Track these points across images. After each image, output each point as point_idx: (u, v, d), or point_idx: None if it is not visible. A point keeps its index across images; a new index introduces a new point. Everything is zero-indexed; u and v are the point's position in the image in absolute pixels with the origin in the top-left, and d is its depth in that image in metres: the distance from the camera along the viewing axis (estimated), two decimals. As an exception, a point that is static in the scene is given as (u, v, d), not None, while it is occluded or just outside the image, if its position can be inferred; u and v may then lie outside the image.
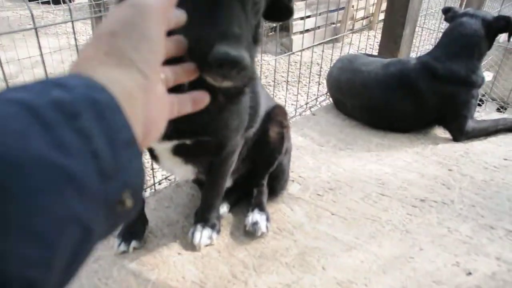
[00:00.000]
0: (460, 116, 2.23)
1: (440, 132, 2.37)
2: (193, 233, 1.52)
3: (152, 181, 1.98)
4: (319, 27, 5.76)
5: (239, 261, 1.47)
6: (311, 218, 1.71)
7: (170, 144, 1.22)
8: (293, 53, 5.28)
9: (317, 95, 2.75)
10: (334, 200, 1.83)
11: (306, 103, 2.69)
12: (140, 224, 1.54)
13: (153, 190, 1.94)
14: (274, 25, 5.69)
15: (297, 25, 5.62)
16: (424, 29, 4.07)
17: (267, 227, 1.60)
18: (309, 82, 3.25)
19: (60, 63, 3.97)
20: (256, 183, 1.72)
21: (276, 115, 1.65)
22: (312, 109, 2.71)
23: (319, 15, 5.70)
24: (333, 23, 6.10)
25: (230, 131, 1.27)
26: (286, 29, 5.68)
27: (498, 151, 2.18)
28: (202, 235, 1.52)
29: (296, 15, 5.58)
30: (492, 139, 2.30)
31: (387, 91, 2.28)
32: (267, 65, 5.08)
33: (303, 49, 5.23)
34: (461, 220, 1.70)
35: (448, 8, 2.35)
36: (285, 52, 5.40)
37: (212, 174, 1.45)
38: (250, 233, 1.59)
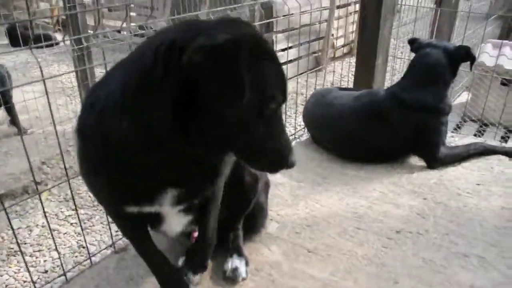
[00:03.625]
0: (432, 143, 2.29)
1: (416, 160, 2.42)
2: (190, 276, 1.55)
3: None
4: (301, 57, 5.89)
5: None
6: (288, 257, 1.74)
7: (178, 208, 1.29)
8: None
9: (295, 129, 2.80)
10: (312, 237, 1.85)
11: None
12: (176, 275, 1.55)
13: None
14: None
15: (279, 56, 5.75)
16: (397, 58, 4.19)
17: (246, 272, 1.63)
18: (296, 113, 3.31)
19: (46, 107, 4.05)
20: (232, 227, 1.75)
21: None
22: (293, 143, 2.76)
23: (300, 45, 5.85)
24: (315, 53, 6.24)
25: (219, 188, 1.40)
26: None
27: (471, 177, 2.23)
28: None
29: (278, 46, 5.72)
30: (466, 164, 2.35)
31: (359, 123, 2.34)
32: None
33: (288, 79, 5.36)
34: (435, 249, 1.73)
35: (413, 39, 2.44)
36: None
37: (209, 214, 1.47)
38: (230, 278, 1.61)
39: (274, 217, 2.00)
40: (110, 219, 2.00)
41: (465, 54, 2.24)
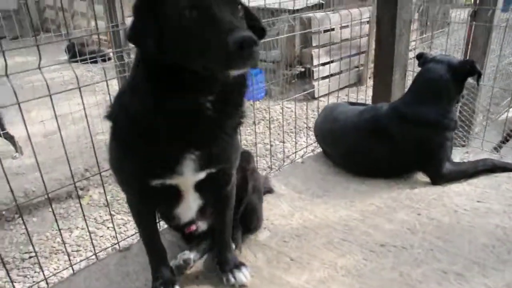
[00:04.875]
0: (436, 159, 2.26)
1: (421, 176, 2.40)
2: (234, 277, 1.69)
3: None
4: (341, 72, 5.92)
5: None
6: (271, 263, 1.83)
7: (197, 177, 1.46)
8: (316, 98, 5.47)
9: (307, 143, 2.88)
10: (298, 246, 1.93)
11: (295, 152, 2.83)
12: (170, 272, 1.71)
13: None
14: (297, 72, 5.96)
15: (318, 71, 5.82)
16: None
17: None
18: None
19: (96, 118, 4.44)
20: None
21: (240, 160, 1.82)
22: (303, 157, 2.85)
23: (341, 59, 5.88)
24: (357, 67, 6.24)
25: (234, 161, 1.55)
26: (308, 76, 5.89)
27: (473, 193, 2.18)
28: (244, 274, 1.70)
29: (317, 61, 5.80)
30: (473, 181, 2.29)
31: (362, 138, 2.38)
32: (290, 112, 5.28)
33: (329, 93, 5.41)
34: (415, 264, 1.74)
35: (420, 54, 2.44)
36: (308, 99, 5.60)
37: (223, 208, 1.67)
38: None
39: (268, 226, 2.09)
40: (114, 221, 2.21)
41: (470, 69, 2.21)
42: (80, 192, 4.01)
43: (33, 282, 3.05)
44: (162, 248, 1.70)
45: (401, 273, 1.70)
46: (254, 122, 5.02)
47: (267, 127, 5.13)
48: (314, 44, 5.80)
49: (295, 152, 2.91)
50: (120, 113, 1.37)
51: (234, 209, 1.83)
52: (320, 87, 5.65)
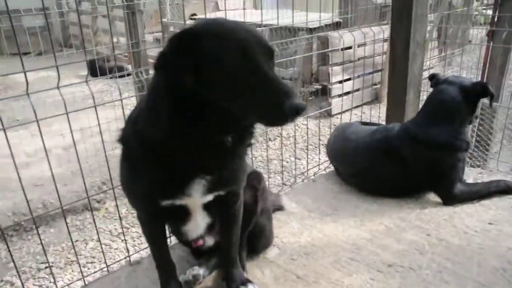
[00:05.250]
0: (447, 180, 2.25)
1: (433, 196, 2.39)
2: None
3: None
4: (358, 89, 5.93)
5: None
6: (277, 281, 1.84)
7: (206, 199, 1.50)
8: (333, 115, 5.48)
9: (319, 161, 2.89)
10: (305, 264, 1.94)
11: (307, 170, 2.84)
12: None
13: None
14: (313, 89, 6.00)
15: (336, 88, 5.85)
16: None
17: None
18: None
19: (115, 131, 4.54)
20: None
21: (251, 180, 1.86)
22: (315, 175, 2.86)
23: (358, 77, 5.90)
24: (374, 84, 6.24)
25: (242, 182, 1.59)
26: (325, 93, 5.91)
27: (485, 215, 2.15)
28: None
29: (335, 78, 5.83)
30: (485, 202, 2.27)
31: (373, 158, 2.39)
32: (306, 129, 5.30)
33: (343, 111, 5.42)
34: (423, 286, 1.73)
35: (432, 75, 2.45)
36: (325, 116, 5.62)
37: (230, 225, 1.70)
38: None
39: (277, 244, 2.11)
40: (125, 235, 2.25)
41: (483, 90, 2.21)
42: (96, 205, 4.09)
43: (47, 292, 3.11)
44: (171, 263, 1.73)
45: (408, 294, 1.69)
46: (269, 139, 5.06)
47: (283, 143, 5.16)
48: (331, 62, 5.84)
49: (307, 170, 2.92)
50: (133, 136, 1.40)
51: (242, 228, 1.84)
52: (336, 104, 5.67)
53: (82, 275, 2.13)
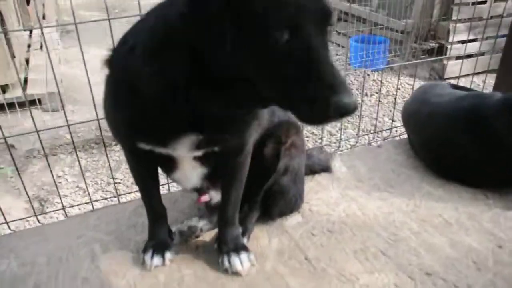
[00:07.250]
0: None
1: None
2: (229, 261, 1.45)
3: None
4: (483, 54, 4.89)
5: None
6: (280, 256, 1.53)
7: (193, 154, 1.26)
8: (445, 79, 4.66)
9: (391, 126, 2.38)
10: (323, 244, 1.58)
11: (375, 131, 2.37)
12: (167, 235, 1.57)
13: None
14: (428, 47, 5.12)
15: (454, 49, 4.90)
16: None
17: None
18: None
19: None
20: (249, 199, 1.60)
21: (277, 130, 1.54)
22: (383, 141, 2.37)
23: (486, 39, 4.83)
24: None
25: (247, 133, 1.28)
26: (439, 53, 5.01)
27: None
28: (242, 260, 1.46)
29: (455, 37, 4.88)
30: None
31: (454, 130, 1.83)
32: (410, 90, 4.61)
33: (459, 76, 4.54)
34: (462, 314, 1.27)
35: None
36: (435, 79, 4.80)
37: (230, 179, 1.42)
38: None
39: (304, 211, 1.77)
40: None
41: None
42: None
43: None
44: (161, 208, 1.52)
45: (437, 319, 1.26)
46: (366, 94, 4.50)
47: (381, 101, 4.56)
48: (454, 18, 4.85)
49: (375, 132, 2.44)
50: (125, 63, 1.12)
51: (256, 188, 1.57)
52: (452, 68, 4.77)
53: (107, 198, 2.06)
